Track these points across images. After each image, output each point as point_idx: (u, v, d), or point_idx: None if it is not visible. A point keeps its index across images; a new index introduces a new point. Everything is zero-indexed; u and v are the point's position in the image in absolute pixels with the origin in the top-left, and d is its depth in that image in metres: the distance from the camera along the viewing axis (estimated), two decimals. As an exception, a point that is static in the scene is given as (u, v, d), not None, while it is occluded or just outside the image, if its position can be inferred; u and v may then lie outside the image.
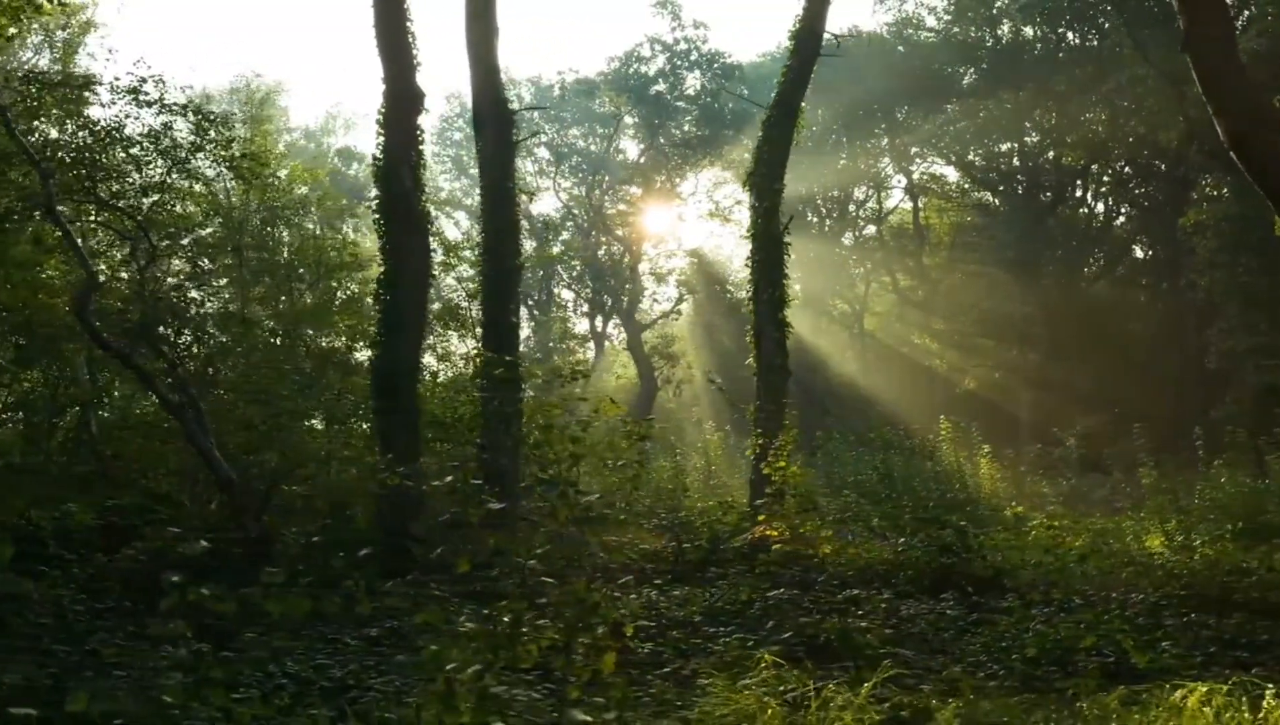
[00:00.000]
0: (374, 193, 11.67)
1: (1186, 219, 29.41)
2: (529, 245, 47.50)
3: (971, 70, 37.33)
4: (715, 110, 36.29)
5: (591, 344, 49.16)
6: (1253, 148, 9.51)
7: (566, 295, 47.53)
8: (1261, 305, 26.25)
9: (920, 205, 42.85)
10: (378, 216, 10.72)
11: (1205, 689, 4.23)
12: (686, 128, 38.81)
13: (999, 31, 36.58)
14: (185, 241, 12.80)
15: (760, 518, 9.88)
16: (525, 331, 47.62)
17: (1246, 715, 3.93)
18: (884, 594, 9.66)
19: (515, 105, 45.68)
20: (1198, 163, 29.49)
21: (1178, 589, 9.27)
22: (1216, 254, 28.39)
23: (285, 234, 19.29)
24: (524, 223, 46.89)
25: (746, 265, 13.69)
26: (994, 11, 36.05)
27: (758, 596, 8.45)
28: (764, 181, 12.93)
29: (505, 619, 4.14)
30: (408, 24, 10.75)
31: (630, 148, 41.97)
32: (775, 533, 9.16)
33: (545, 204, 45.99)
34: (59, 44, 20.74)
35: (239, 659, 5.85)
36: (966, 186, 40.67)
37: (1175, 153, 31.08)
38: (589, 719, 3.23)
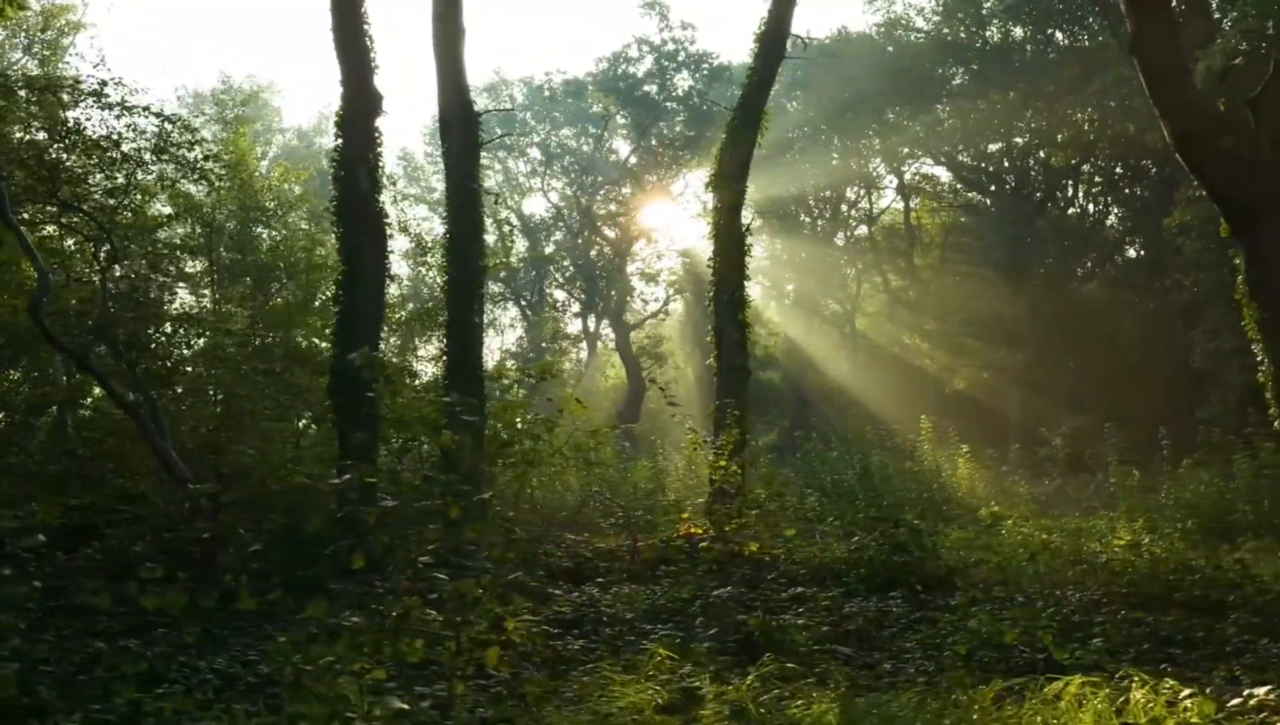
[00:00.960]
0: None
1: (1171, 219, 29.46)
2: (522, 245, 47.73)
3: (961, 71, 37.41)
4: (704, 111, 36.44)
5: (584, 344, 49.39)
6: (1194, 148, 9.65)
7: (559, 295, 47.67)
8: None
9: (913, 205, 42.92)
10: (335, 218, 10.83)
11: (1080, 681, 4.33)
12: (678, 128, 38.95)
13: (987, 32, 36.66)
14: (153, 243, 12.88)
15: (684, 515, 9.99)
16: (519, 331, 47.87)
17: (1112, 707, 4.03)
18: (833, 592, 9.78)
19: (492, 107, 45.76)
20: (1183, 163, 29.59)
21: (1121, 587, 9.36)
22: (1201, 255, 28.46)
23: (266, 234, 19.41)
24: (516, 222, 47.26)
25: (708, 266, 13.78)
26: (983, 12, 36.12)
27: (700, 595, 8.54)
28: (727, 182, 13.02)
29: (392, 615, 4.24)
30: (365, 26, 10.85)
31: (623, 148, 42.13)
32: (699, 530, 9.24)
33: (537, 204, 46.16)
34: (38, 46, 20.83)
35: (156, 655, 5.95)
36: (958, 187, 40.75)
37: (1162, 153, 31.16)
38: (403, 705, 3.30)
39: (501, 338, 49.18)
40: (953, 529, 14.52)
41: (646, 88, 36.15)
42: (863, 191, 44.31)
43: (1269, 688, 4.03)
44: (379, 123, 11.01)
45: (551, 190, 42.64)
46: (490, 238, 40.80)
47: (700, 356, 44.10)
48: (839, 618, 8.60)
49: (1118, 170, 36.59)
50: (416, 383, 14.08)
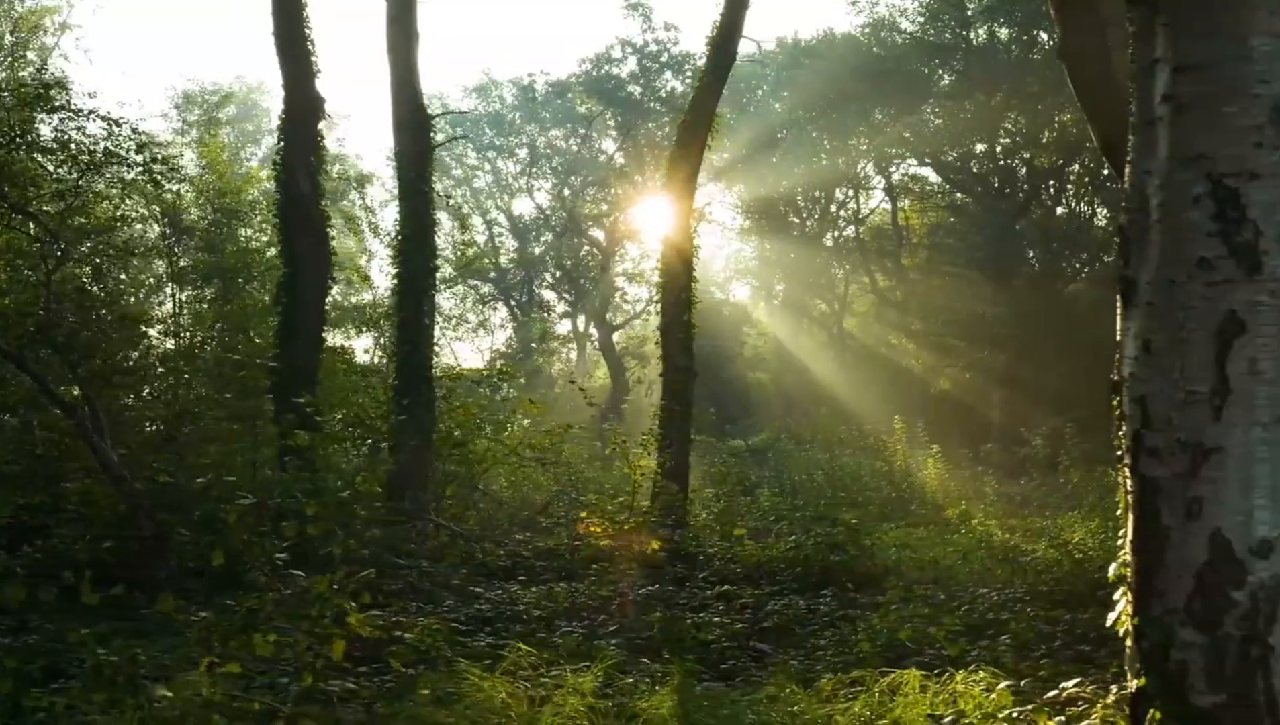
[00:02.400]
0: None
1: (1152, 220, 29.46)
2: (511, 245, 47.82)
3: (946, 72, 37.46)
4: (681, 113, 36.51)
5: (574, 345, 49.51)
6: (1120, 152, 9.71)
7: (549, 296, 47.78)
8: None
9: (903, 206, 42.98)
10: (277, 221, 10.95)
11: (921, 674, 4.44)
12: (665, 130, 39.01)
13: (972, 34, 36.70)
14: (103, 245, 12.99)
15: (583, 514, 10.10)
16: (508, 331, 48.00)
17: (941, 698, 4.14)
18: (764, 590, 9.89)
19: (480, 107, 45.76)
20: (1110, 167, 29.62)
21: (1046, 585, 9.46)
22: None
23: (242, 234, 19.53)
24: (505, 222, 47.36)
25: (655, 270, 13.88)
26: (967, 14, 36.17)
27: (620, 593, 8.64)
28: (677, 183, 13.13)
29: (241, 611, 4.35)
30: (307, 30, 10.98)
31: (610, 149, 42.18)
32: (598, 529, 9.37)
33: (529, 204, 46.25)
34: (19, 47, 20.98)
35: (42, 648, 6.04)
36: (946, 187, 40.80)
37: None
38: (169, 694, 3.42)
39: (492, 338, 49.30)
40: (898, 528, 14.62)
41: (631, 89, 36.24)
42: (851, 192, 44.35)
43: (1077, 680, 4.14)
44: (386, 126, 11.12)
45: (540, 191, 42.68)
46: (454, 236, 41.07)
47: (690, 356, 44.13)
48: (759, 615, 8.70)
49: (1104, 171, 36.64)
50: (366, 380, 14.18)
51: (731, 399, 43.91)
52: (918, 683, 4.37)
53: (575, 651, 6.75)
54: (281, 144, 10.94)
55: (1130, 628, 3.64)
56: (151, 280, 16.94)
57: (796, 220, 43.81)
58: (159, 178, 11.73)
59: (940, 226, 40.42)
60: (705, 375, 44.55)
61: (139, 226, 15.72)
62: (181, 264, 17.79)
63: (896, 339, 42.66)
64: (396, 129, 13.06)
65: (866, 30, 38.33)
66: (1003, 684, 4.28)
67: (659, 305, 13.74)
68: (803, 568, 10.61)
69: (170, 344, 13.53)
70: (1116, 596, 3.74)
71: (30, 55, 26.88)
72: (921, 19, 37.16)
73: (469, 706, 4.43)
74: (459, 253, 41.85)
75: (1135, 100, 3.65)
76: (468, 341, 57.15)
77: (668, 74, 36.49)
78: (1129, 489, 3.66)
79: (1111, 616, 3.74)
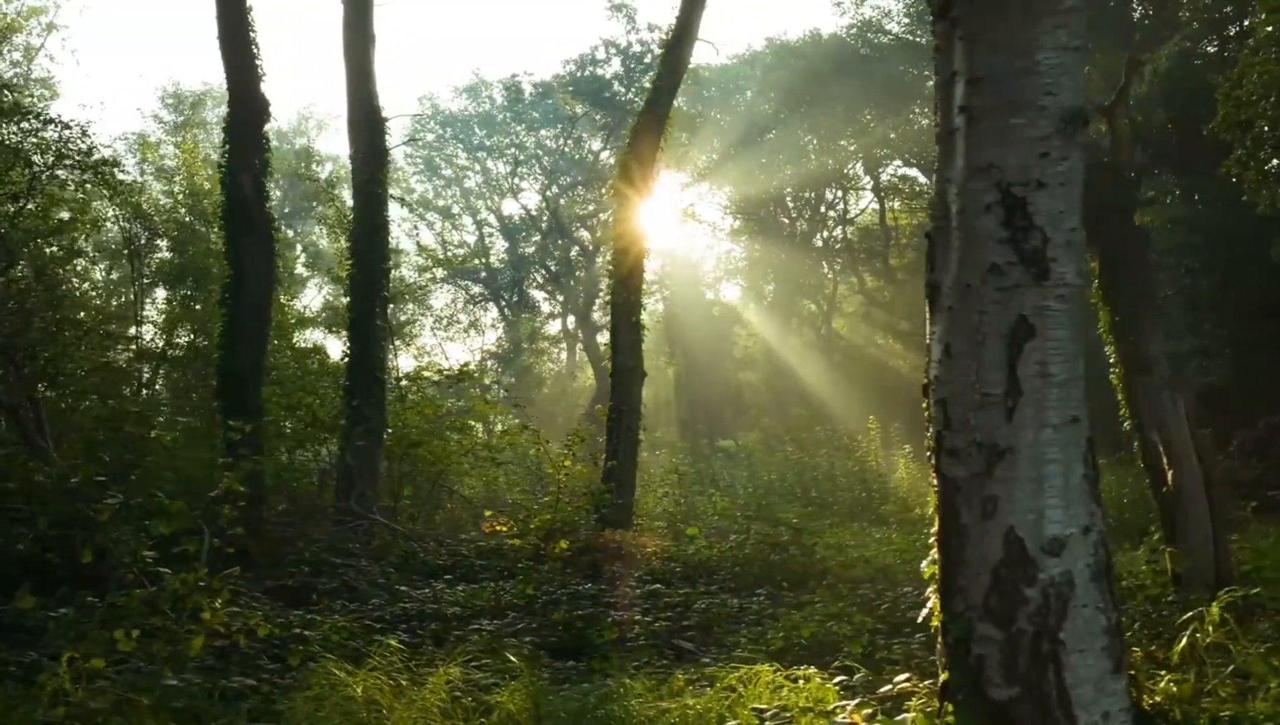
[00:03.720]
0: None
1: (1133, 221, 29.56)
2: (502, 245, 47.95)
3: (932, 73, 37.54)
4: (674, 113, 36.58)
5: (565, 345, 49.60)
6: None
7: (539, 296, 47.87)
8: (1204, 307, 26.45)
9: (894, 206, 43.06)
10: (222, 223, 11.07)
11: (772, 669, 4.54)
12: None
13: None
14: (50, 247, 13.11)
15: (488, 513, 10.20)
16: (499, 332, 48.13)
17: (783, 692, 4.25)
18: (699, 589, 9.99)
19: (470, 108, 45.87)
20: (1142, 165, 29.75)
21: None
22: (1161, 256, 28.59)
23: (214, 235, 19.66)
24: (495, 222, 47.48)
25: (605, 272, 13.95)
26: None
27: (543, 592, 8.75)
28: (627, 184, 13.22)
29: (103, 606, 4.46)
30: (251, 32, 11.08)
31: (599, 148, 42.25)
32: (504, 528, 9.46)
33: (517, 205, 46.39)
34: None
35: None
36: (930, 190, 40.87)
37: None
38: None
39: (483, 338, 49.45)
40: (858, 527, 14.70)
41: (616, 89, 36.35)
42: (839, 193, 44.45)
43: (907, 675, 4.24)
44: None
45: (529, 191, 42.81)
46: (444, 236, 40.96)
47: (681, 355, 44.33)
48: (683, 613, 8.80)
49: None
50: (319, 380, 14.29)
51: (722, 399, 44.08)
52: (768, 679, 4.47)
53: (486, 649, 6.88)
54: (226, 147, 11.05)
55: (938, 623, 3.74)
56: (114, 281, 17.06)
57: (786, 221, 43.90)
58: (107, 180, 11.82)
59: (924, 227, 40.47)
60: (696, 375, 44.71)
61: (114, 228, 15.84)
62: (155, 264, 17.92)
63: (884, 339, 42.77)
64: (351, 130, 13.18)
65: (853, 31, 38.45)
66: (839, 679, 4.39)
67: (608, 306, 13.83)
68: (742, 567, 10.72)
69: (131, 345, 13.61)
70: (928, 593, 3.84)
71: (16, 55, 27.08)
72: (907, 20, 37.30)
73: (331, 700, 4.54)
74: (445, 254, 41.97)
75: (939, 111, 3.75)
76: (459, 342, 57.28)
77: (653, 74, 36.60)
78: (936, 488, 3.77)
79: (923, 613, 3.84)
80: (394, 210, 47.57)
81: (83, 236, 14.68)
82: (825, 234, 45.66)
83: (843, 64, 36.13)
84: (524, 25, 76.68)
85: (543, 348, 46.61)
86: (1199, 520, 9.41)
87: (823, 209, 45.06)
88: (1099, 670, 3.55)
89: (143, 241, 17.14)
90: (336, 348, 22.43)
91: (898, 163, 40.55)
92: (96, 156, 11.87)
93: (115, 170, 12.37)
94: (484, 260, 47.50)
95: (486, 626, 7.38)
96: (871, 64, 36.67)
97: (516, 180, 42.71)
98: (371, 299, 12.69)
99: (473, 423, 14.80)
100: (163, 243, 17.54)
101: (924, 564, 3.79)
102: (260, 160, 10.94)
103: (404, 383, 14.92)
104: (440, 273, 47.42)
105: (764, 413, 41.91)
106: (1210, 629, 4.21)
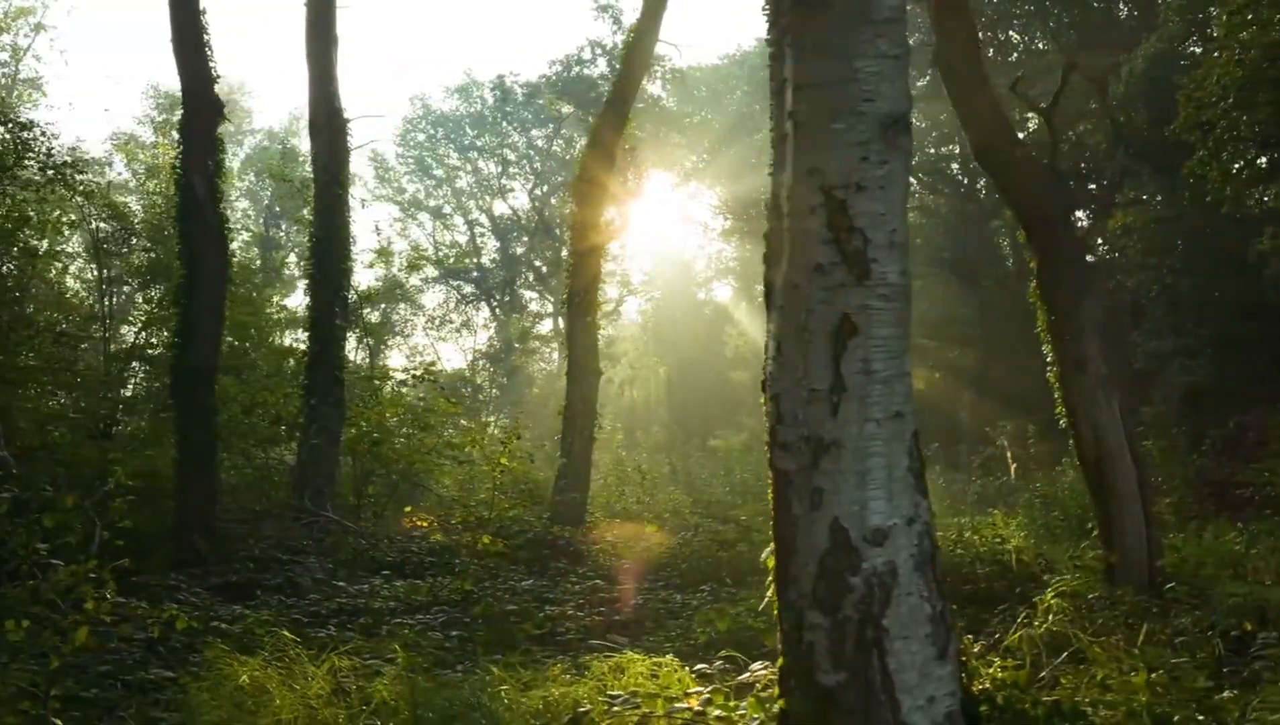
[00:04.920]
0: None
1: (1115, 221, 29.73)
2: (493, 245, 48.12)
3: (919, 74, 37.61)
4: (661, 113, 36.75)
5: (556, 344, 49.73)
6: (992, 157, 9.94)
7: (530, 296, 48.04)
8: (1186, 306, 26.54)
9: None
10: (176, 224, 11.21)
11: (647, 658, 4.68)
12: (639, 132, 39.23)
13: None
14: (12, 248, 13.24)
15: (407, 509, 10.33)
16: (491, 331, 48.32)
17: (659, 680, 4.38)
18: (644, 584, 10.14)
19: (462, 109, 45.93)
20: (1124, 165, 29.83)
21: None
22: (1144, 256, 28.71)
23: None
24: (488, 223, 47.65)
25: (565, 270, 14.10)
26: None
27: (480, 588, 8.89)
28: (588, 185, 13.35)
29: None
30: (205, 36, 11.21)
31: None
32: (425, 523, 9.58)
33: (519, 201, 46.55)
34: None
35: None
36: (917, 190, 40.96)
37: (1106, 155, 31.41)
38: None
39: (475, 338, 49.64)
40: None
41: (604, 89, 36.47)
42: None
43: (764, 664, 4.36)
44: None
45: (520, 192, 42.95)
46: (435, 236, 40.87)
47: (672, 355, 44.46)
48: (625, 609, 8.94)
49: (1080, 168, 36.78)
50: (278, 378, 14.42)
51: (713, 399, 44.19)
52: (641, 668, 4.60)
53: (408, 643, 7.03)
54: (181, 147, 11.18)
55: (776, 611, 3.86)
56: (84, 282, 17.20)
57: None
58: (68, 181, 11.97)
59: (911, 227, 40.66)
60: (687, 375, 44.76)
61: (94, 227, 15.97)
62: (132, 265, 18.05)
63: (872, 339, 42.85)
64: (312, 131, 13.32)
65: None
66: (700, 667, 4.52)
67: (564, 307, 13.97)
68: (690, 564, 10.85)
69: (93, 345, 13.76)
70: (769, 581, 3.96)
71: (3, 56, 27.23)
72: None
73: (225, 690, 4.69)
74: (437, 255, 42.08)
75: (774, 116, 3.88)
76: (451, 341, 57.45)
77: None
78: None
79: (764, 601, 3.96)
80: (388, 210, 47.76)
81: (44, 238, 14.80)
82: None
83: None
84: (510, 26, 76.88)
85: (533, 348, 46.77)
86: (1133, 518, 9.56)
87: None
88: (923, 656, 3.67)
89: (119, 242, 17.24)
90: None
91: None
92: (58, 158, 12.00)
93: (75, 172, 12.50)
94: (475, 260, 47.70)
95: (409, 621, 7.50)
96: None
97: (505, 181, 42.83)
98: (331, 299, 12.83)
99: (437, 421, 14.91)
100: (137, 243, 17.66)
101: (764, 555, 3.91)
102: (214, 161, 11.07)
103: (376, 382, 15.04)
104: (432, 272, 47.60)
105: (754, 412, 42.02)
106: (1049, 618, 4.32)
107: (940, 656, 3.71)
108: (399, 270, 39.92)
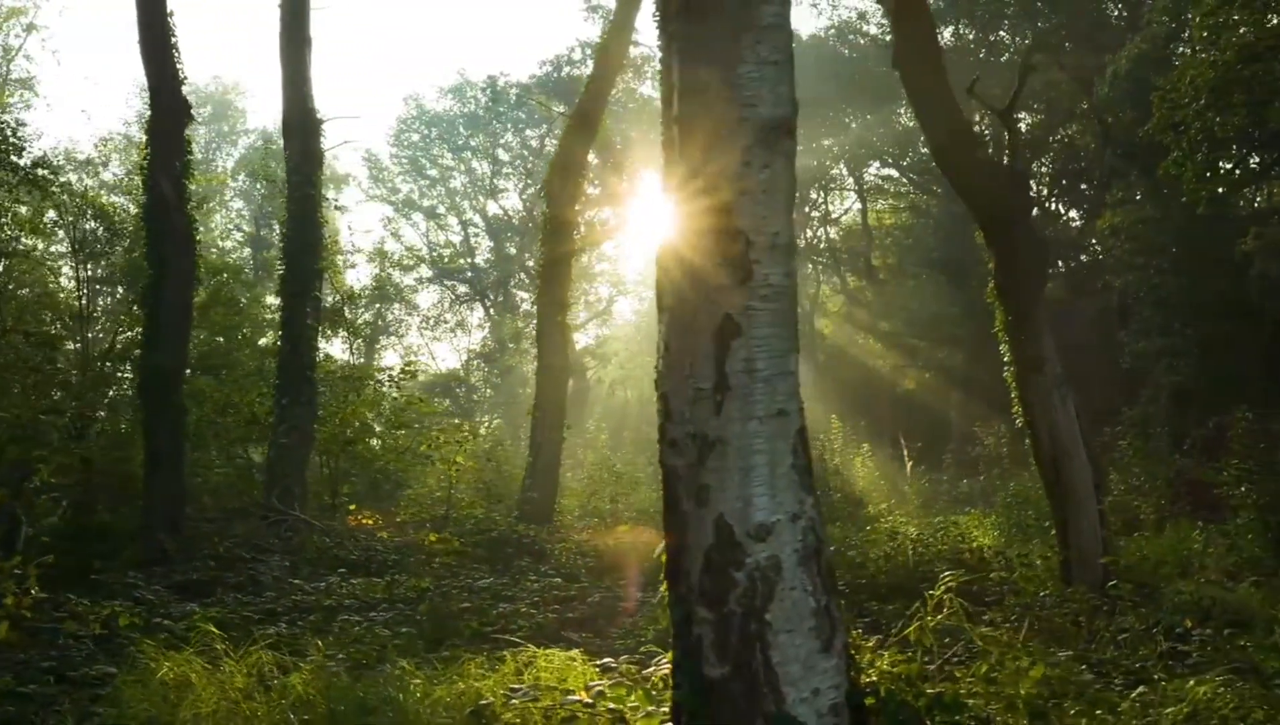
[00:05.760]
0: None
1: (1103, 221, 29.79)
2: (487, 245, 48.19)
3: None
4: (651, 113, 36.80)
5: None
6: (951, 159, 10.02)
7: (523, 296, 48.08)
8: (1173, 306, 26.60)
9: (876, 207, 43.22)
10: (142, 225, 11.30)
11: (559, 653, 4.77)
12: (631, 132, 39.31)
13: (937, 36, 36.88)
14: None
15: (350, 507, 10.41)
16: (485, 331, 48.40)
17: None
18: (604, 583, 10.23)
19: (456, 109, 45.97)
20: (1112, 165, 29.88)
21: (870, 577, 9.78)
22: (1132, 256, 28.75)
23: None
24: (481, 223, 47.73)
25: (535, 271, 14.16)
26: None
27: (441, 586, 8.97)
28: (559, 185, 13.42)
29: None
30: (172, 39, 11.28)
31: (579, 150, 42.44)
32: (369, 521, 9.67)
33: (510, 202, 46.64)
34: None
35: None
36: (908, 189, 41.06)
37: (1095, 154, 31.47)
38: None
39: (469, 338, 49.75)
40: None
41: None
42: (820, 192, 44.60)
43: (627, 655, 4.45)
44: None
45: (511, 193, 43.04)
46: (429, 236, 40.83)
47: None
48: (571, 607, 9.03)
49: (1070, 168, 36.87)
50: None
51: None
52: (557, 662, 4.68)
53: (358, 638, 7.13)
54: (148, 150, 11.25)
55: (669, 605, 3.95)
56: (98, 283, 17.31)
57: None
58: (37, 181, 12.04)
59: (898, 227, 40.77)
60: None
61: (87, 227, 16.05)
62: (116, 265, 18.13)
63: (864, 339, 42.94)
64: (286, 133, 13.41)
65: (832, 32, 38.67)
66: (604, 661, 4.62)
67: (534, 306, 14.05)
68: (653, 562, 10.92)
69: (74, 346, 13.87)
70: (663, 576, 4.04)
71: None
72: (885, 21, 37.44)
73: (152, 683, 4.78)
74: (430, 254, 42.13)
75: (663, 123, 3.95)
76: (445, 341, 57.47)
77: (629, 74, 36.77)
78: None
79: (658, 597, 4.05)
80: (382, 210, 47.79)
81: (19, 237, 14.87)
82: (809, 234, 45.80)
83: (822, 65, 36.32)
84: (502, 27, 77.02)
85: (526, 348, 46.87)
86: (1089, 517, 9.63)
87: (806, 209, 45.20)
88: (807, 649, 3.75)
89: (105, 243, 17.33)
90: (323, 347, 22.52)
91: (877, 163, 40.72)
92: (28, 157, 12.10)
93: (42, 170, 12.57)
94: (469, 260, 47.79)
95: (355, 618, 7.58)
96: (851, 64, 36.88)
97: (498, 181, 42.93)
98: (303, 300, 12.91)
99: (410, 419, 14.98)
100: (124, 244, 17.76)
101: (657, 551, 4.00)
102: (181, 162, 11.15)
103: (356, 381, 15.12)
104: (426, 272, 47.71)
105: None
106: (943, 612, 4.40)
107: (825, 649, 3.79)
108: (387, 270, 40.09)
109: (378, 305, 47.71)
